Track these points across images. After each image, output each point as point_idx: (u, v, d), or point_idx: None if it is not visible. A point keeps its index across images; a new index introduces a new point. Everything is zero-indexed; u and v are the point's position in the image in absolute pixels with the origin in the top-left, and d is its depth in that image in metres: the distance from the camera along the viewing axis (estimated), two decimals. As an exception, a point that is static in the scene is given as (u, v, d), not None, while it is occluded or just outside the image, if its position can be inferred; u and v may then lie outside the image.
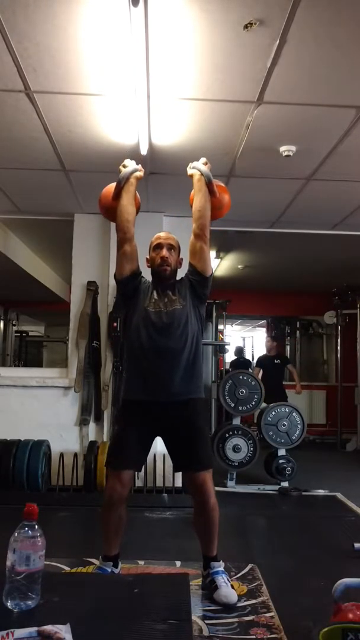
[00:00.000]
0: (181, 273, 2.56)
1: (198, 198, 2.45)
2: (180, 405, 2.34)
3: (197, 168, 2.49)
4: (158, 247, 2.48)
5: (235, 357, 8.54)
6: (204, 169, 2.47)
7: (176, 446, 2.38)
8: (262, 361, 6.93)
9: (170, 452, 2.42)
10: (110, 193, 2.50)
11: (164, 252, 2.45)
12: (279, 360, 6.83)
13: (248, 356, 9.22)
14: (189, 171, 2.54)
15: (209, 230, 2.45)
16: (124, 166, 2.50)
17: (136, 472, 3.91)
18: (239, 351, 8.78)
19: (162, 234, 2.55)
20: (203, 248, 2.43)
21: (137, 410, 2.37)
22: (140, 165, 2.52)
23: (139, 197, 2.61)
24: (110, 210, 2.53)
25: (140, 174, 2.50)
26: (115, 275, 2.47)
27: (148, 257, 2.53)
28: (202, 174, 2.46)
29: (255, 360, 7.81)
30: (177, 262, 2.51)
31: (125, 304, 2.50)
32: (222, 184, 2.62)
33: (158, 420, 2.35)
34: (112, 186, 2.51)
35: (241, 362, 8.29)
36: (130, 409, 2.41)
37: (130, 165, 2.49)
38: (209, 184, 2.45)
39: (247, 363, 8.40)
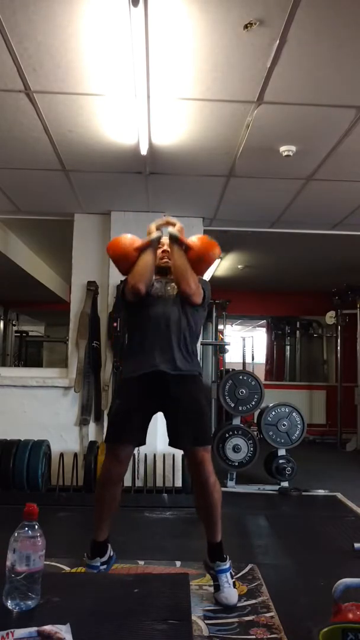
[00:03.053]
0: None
1: (171, 260, 2.45)
2: (181, 377, 2.36)
3: (167, 233, 2.48)
4: (160, 243, 2.54)
5: None
6: (170, 230, 2.46)
7: (176, 420, 2.37)
8: None
9: (170, 427, 2.41)
10: (127, 245, 2.46)
11: (165, 246, 2.51)
12: None
13: (248, 356, 9.22)
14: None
15: (190, 288, 2.38)
16: (168, 223, 2.49)
17: (137, 474, 3.94)
18: None
19: (164, 237, 2.61)
20: (194, 303, 2.42)
21: (138, 384, 2.37)
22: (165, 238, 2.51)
23: None
24: (126, 260, 2.46)
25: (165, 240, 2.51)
26: (125, 299, 2.48)
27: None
28: (169, 237, 2.46)
29: None
30: None
31: (129, 305, 2.52)
32: (200, 236, 2.58)
33: (160, 393, 2.36)
34: (128, 238, 2.49)
35: None
36: (131, 384, 2.41)
37: (158, 233, 2.48)
38: (176, 241, 2.43)
39: None
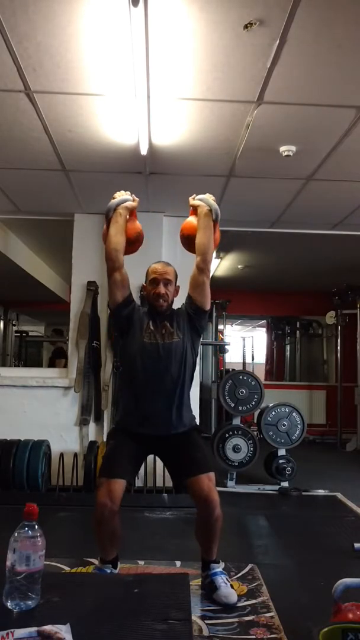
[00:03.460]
0: (178, 302, 2.53)
1: (204, 233, 2.40)
2: (176, 435, 2.36)
3: (208, 203, 2.43)
4: (154, 282, 2.42)
5: None
6: (215, 205, 2.43)
7: (175, 458, 2.37)
8: None
9: (170, 466, 2.42)
10: (104, 229, 2.49)
11: (160, 288, 2.40)
12: None
13: (248, 356, 9.22)
14: (194, 202, 2.49)
15: (211, 265, 2.43)
16: (114, 198, 2.46)
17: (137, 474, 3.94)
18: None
19: (158, 267, 2.45)
20: (205, 283, 2.41)
21: (133, 434, 2.38)
22: (133, 195, 2.48)
23: (139, 225, 2.55)
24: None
25: (131, 204, 2.45)
26: (108, 305, 2.48)
27: (145, 284, 2.51)
28: (211, 210, 2.42)
29: None
30: (173, 294, 2.48)
31: (121, 334, 2.48)
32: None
33: (154, 445, 2.38)
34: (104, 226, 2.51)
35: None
36: (125, 432, 2.41)
37: (120, 196, 2.45)
38: (215, 222, 2.43)
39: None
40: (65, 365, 7.09)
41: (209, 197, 2.47)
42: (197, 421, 2.61)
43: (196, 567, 2.48)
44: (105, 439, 4.26)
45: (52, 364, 8.60)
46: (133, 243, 2.50)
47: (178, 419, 2.36)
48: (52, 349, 10.00)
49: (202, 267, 2.39)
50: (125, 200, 2.43)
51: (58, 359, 8.36)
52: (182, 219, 4.54)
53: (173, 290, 2.47)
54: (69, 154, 3.29)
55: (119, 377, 4.10)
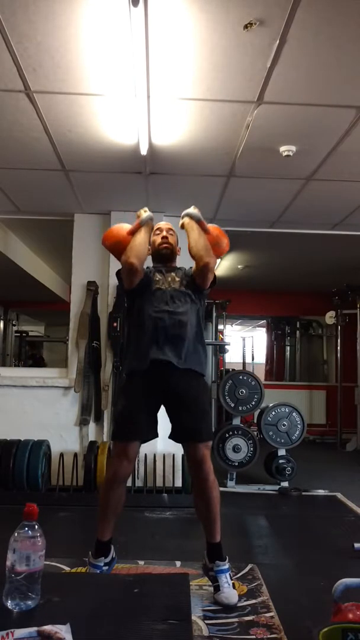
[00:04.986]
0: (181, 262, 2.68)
1: (191, 236, 2.49)
2: (186, 372, 2.37)
3: (186, 213, 2.55)
4: (158, 230, 2.62)
5: None
6: (193, 211, 2.54)
7: (179, 414, 2.39)
8: None
9: (173, 421, 2.42)
10: (120, 231, 2.54)
11: (164, 232, 2.60)
12: None
13: (248, 356, 9.21)
14: (180, 221, 2.58)
15: (213, 261, 2.44)
16: (139, 216, 2.54)
17: (137, 474, 3.95)
18: None
19: (162, 223, 2.69)
20: (208, 277, 2.46)
21: (142, 379, 2.39)
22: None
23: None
24: (120, 245, 2.50)
25: (152, 224, 2.58)
26: (124, 287, 2.52)
27: (149, 246, 2.60)
28: (190, 217, 2.52)
29: None
30: (175, 245, 2.63)
31: (131, 294, 2.55)
32: (214, 225, 2.64)
33: (163, 387, 2.37)
34: (120, 225, 2.56)
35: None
36: (135, 379, 2.43)
37: (145, 213, 2.54)
38: (199, 222, 2.50)
39: None
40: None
41: (190, 208, 2.56)
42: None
43: (196, 567, 2.48)
44: (104, 439, 4.26)
45: None
46: None
47: (190, 353, 2.39)
48: (55, 348, 10.03)
49: (199, 270, 2.46)
50: (152, 217, 2.55)
51: None
52: (182, 219, 4.55)
53: (175, 241, 2.64)
54: (69, 154, 3.29)
55: (128, 330, 4.02)
